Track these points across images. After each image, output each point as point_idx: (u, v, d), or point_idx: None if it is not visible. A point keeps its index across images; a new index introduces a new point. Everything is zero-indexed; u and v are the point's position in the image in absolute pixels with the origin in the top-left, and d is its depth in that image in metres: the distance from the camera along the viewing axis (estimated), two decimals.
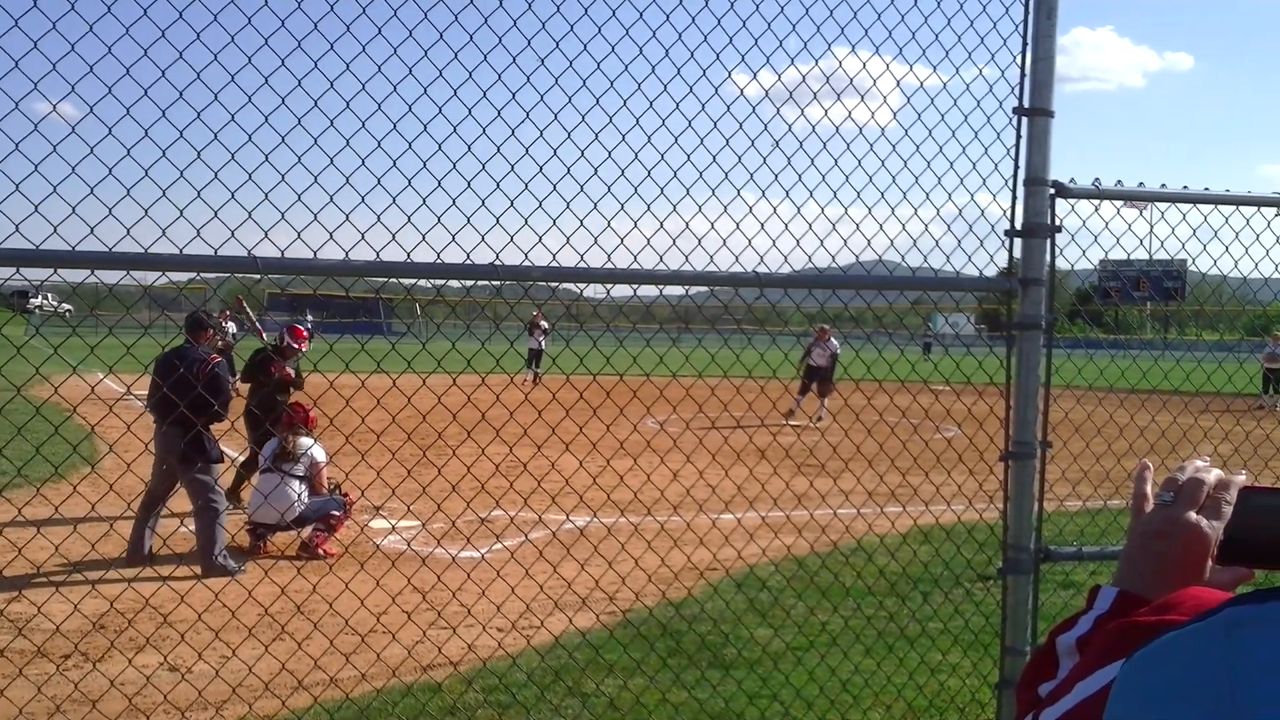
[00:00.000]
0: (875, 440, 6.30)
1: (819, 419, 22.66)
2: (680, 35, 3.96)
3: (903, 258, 4.69)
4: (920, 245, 4.70)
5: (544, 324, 30.15)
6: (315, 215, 3.52)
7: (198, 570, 9.13)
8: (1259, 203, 4.54)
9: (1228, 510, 1.27)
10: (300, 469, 10.17)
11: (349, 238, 3.51)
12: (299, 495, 10.08)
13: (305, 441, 10.32)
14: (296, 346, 12.21)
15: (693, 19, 3.96)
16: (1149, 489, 1.39)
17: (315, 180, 3.56)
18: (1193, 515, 1.28)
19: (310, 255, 3.46)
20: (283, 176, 3.50)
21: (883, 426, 6.86)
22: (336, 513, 10.12)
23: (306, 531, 10.14)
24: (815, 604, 7.52)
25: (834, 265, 4.52)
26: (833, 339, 22.88)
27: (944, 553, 7.46)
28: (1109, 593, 1.28)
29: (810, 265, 4.44)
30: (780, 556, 8.93)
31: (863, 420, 6.34)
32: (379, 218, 3.65)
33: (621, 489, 6.29)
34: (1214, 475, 1.32)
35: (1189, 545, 1.27)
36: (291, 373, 11.92)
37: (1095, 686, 1.09)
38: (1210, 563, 1.28)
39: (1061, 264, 4.24)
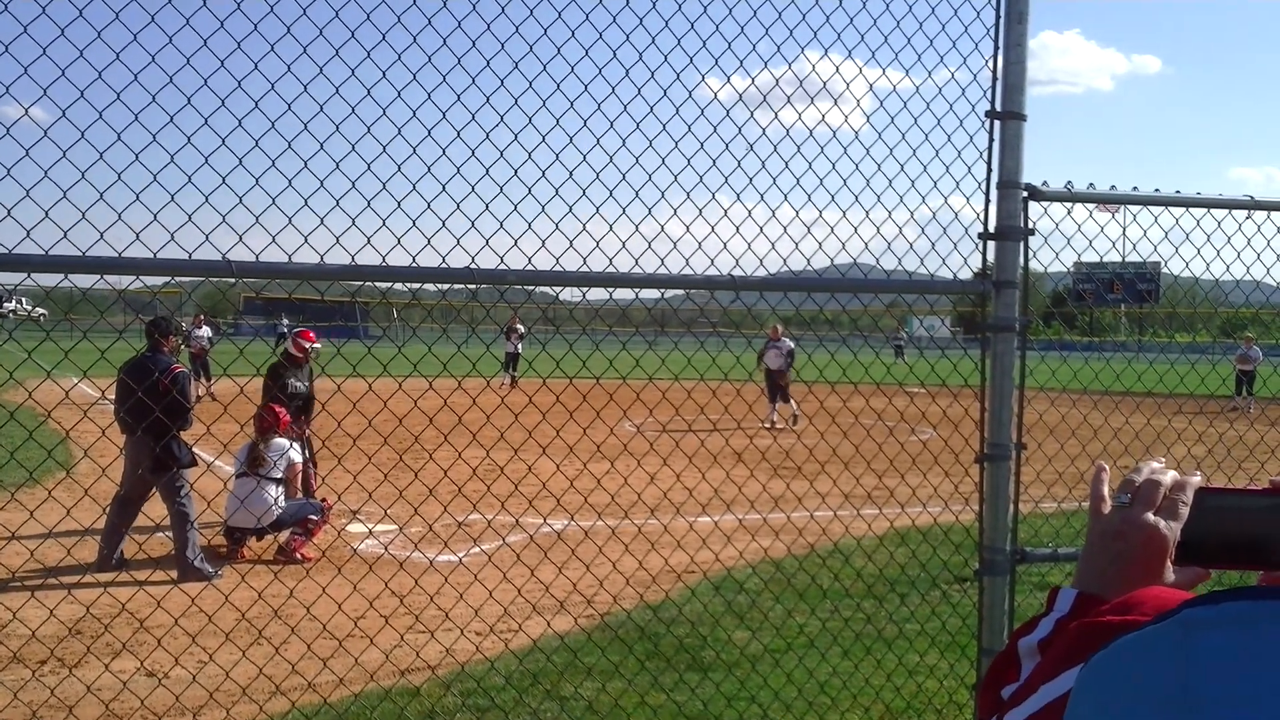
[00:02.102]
0: (851, 442, 6.32)
1: (794, 421, 22.45)
2: (654, 39, 3.98)
3: (877, 260, 4.72)
4: (894, 248, 4.73)
5: (520, 328, 30.16)
6: (290, 219, 3.52)
7: (174, 575, 9.10)
8: (1229, 205, 4.59)
9: (1184, 511, 1.29)
10: (277, 471, 10.12)
11: (324, 241, 3.51)
12: (275, 499, 10.04)
13: (280, 443, 10.28)
14: (305, 350, 12.10)
15: (665, 23, 3.98)
16: (1106, 490, 1.40)
17: (290, 184, 3.55)
18: (1150, 516, 1.29)
19: (285, 259, 3.45)
20: (257, 180, 3.49)
21: (859, 429, 6.90)
22: (314, 517, 10.09)
23: (283, 536, 10.11)
24: (793, 606, 7.54)
25: (809, 268, 4.54)
26: (785, 339, 22.34)
27: (920, 554, 7.49)
28: (1068, 594, 1.29)
29: (785, 268, 4.46)
30: (757, 559, 8.95)
31: (839, 422, 6.37)
32: (354, 221, 3.65)
33: (599, 492, 6.29)
34: (1170, 476, 1.33)
35: (1146, 546, 1.28)
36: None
37: (1062, 688, 1.10)
38: (1169, 563, 1.29)
39: (1035, 266, 4.27)
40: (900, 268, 4.76)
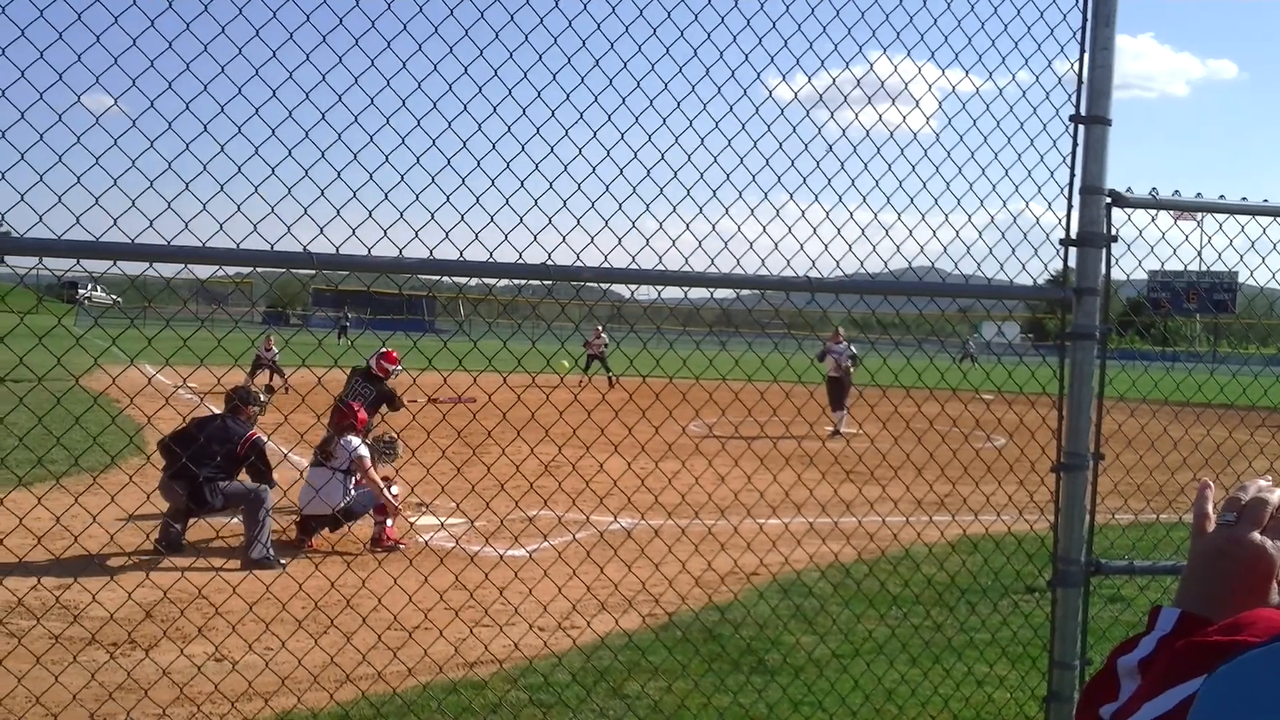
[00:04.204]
0: (925, 448, 6.25)
1: (839, 430, 21.57)
2: (735, 37, 3.96)
3: (956, 264, 4.65)
4: (973, 253, 4.66)
5: (604, 339, 30.80)
6: (370, 212, 3.55)
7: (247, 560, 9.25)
8: None
9: None
10: (344, 464, 10.29)
11: (402, 235, 3.53)
12: (347, 487, 10.25)
13: (353, 441, 10.42)
14: (387, 373, 12.38)
15: (748, 21, 3.96)
16: (1210, 508, 1.36)
17: (370, 177, 3.59)
18: (1257, 536, 1.26)
19: (364, 251, 3.49)
20: (339, 173, 3.53)
21: (933, 435, 6.82)
22: (388, 495, 10.23)
23: (359, 527, 10.29)
24: (861, 612, 7.47)
25: (886, 271, 4.50)
26: (843, 341, 21.80)
27: (993, 563, 7.37)
28: (1171, 614, 1.25)
29: (862, 270, 4.42)
30: (826, 563, 8.88)
31: (913, 428, 6.30)
32: (433, 215, 3.68)
33: (669, 491, 6.29)
34: (1278, 495, 1.29)
35: (1253, 566, 1.25)
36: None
37: (1167, 705, 1.07)
38: (1274, 584, 1.25)
39: (1115, 274, 4.19)
40: (978, 273, 4.69)
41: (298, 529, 10.28)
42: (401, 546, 10.10)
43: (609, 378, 29.27)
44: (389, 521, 10.24)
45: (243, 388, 10.64)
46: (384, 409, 12.25)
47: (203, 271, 3.58)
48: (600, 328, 30.09)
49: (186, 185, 3.28)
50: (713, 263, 3.91)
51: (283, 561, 9.33)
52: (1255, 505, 1.29)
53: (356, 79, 3.50)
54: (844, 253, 4.24)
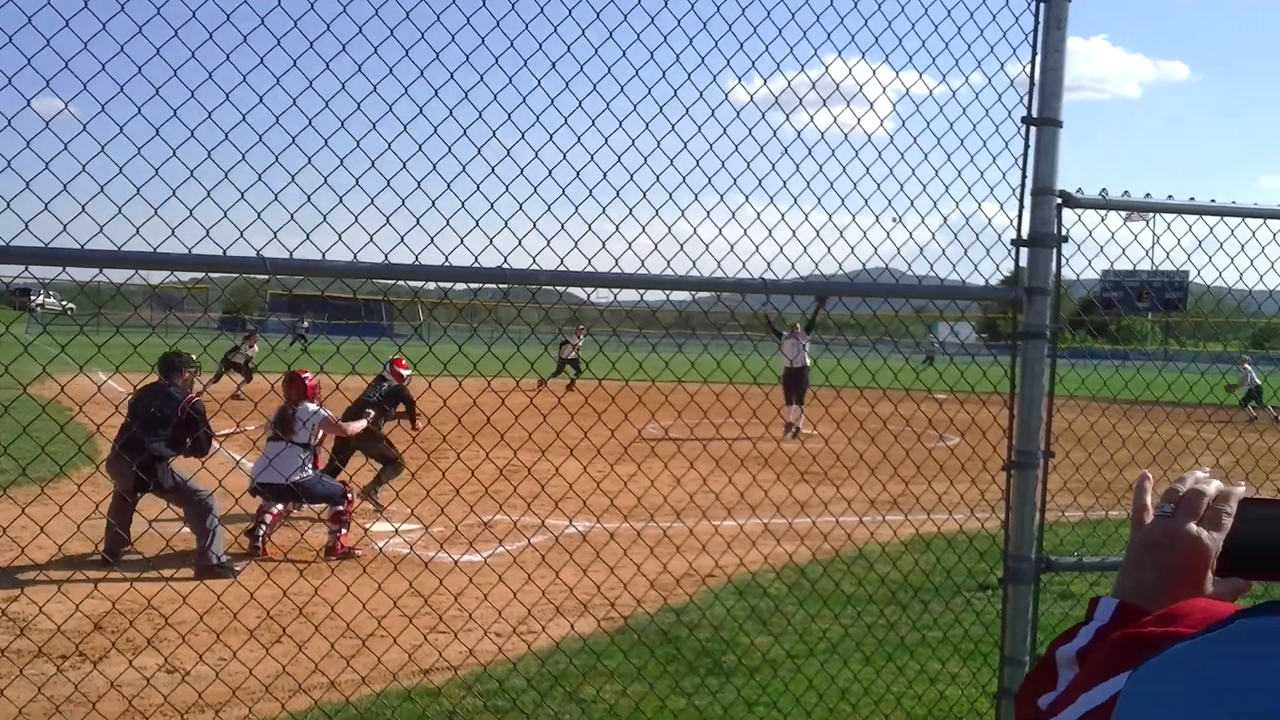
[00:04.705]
0: (879, 448, 6.30)
1: (798, 428, 21.37)
2: (691, 40, 3.98)
3: (909, 266, 4.70)
4: (926, 253, 4.71)
5: (577, 340, 30.64)
6: (325, 216, 3.53)
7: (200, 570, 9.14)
8: (1263, 215, 4.56)
9: (1228, 522, 1.27)
10: (303, 437, 10.25)
11: (357, 239, 3.51)
12: (304, 462, 10.24)
13: (309, 408, 10.37)
14: (401, 379, 12.91)
15: (704, 24, 3.98)
16: (1149, 500, 1.38)
17: (325, 181, 3.56)
18: (1193, 526, 1.28)
19: (319, 256, 3.47)
20: (293, 178, 3.51)
21: (886, 434, 6.87)
22: (341, 509, 10.16)
23: (313, 534, 10.21)
24: (816, 612, 7.51)
25: (840, 272, 4.53)
26: (803, 337, 21.60)
27: (945, 561, 7.45)
28: (1109, 604, 1.27)
29: (816, 272, 4.45)
30: (782, 564, 8.92)
31: (866, 428, 6.35)
32: (388, 219, 3.66)
33: (625, 494, 6.30)
34: (1214, 486, 1.31)
35: (1189, 556, 1.26)
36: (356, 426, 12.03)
37: (1101, 697, 1.08)
38: (1210, 574, 1.28)
39: (1066, 274, 4.25)
40: (931, 273, 4.74)
41: (248, 538, 10.16)
42: (358, 553, 10.03)
43: (569, 380, 29.16)
44: (343, 529, 10.17)
45: (173, 352, 10.32)
46: (400, 410, 12.72)
47: (155, 277, 3.54)
48: (583, 328, 29.83)
49: (138, 190, 3.25)
50: (669, 265, 3.92)
51: (236, 569, 9.23)
52: (1191, 497, 1.31)
53: (311, 83, 3.48)
54: (799, 254, 4.28)
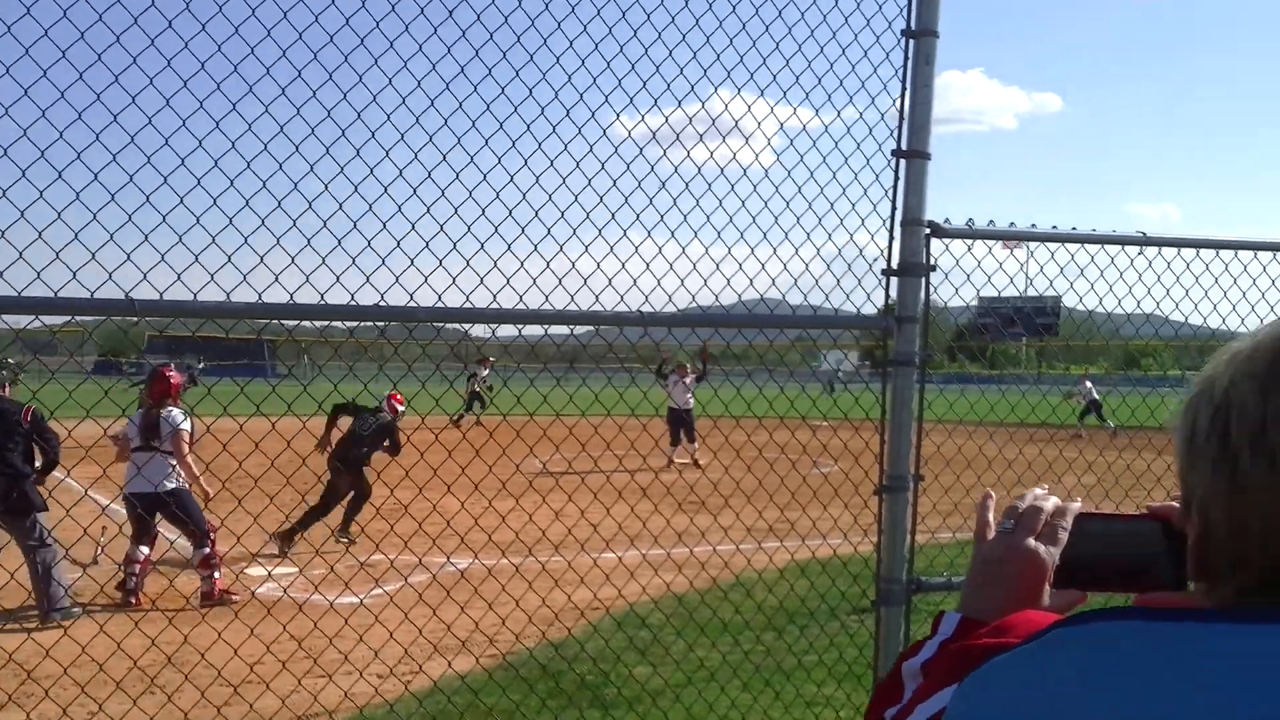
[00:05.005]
0: (755, 476, 6.39)
1: (697, 460, 21.79)
2: (570, 77, 4.03)
3: (784, 296, 4.81)
4: (801, 284, 4.82)
5: (483, 371, 29.30)
6: (196, 257, 3.46)
7: (63, 623, 8.78)
8: (1123, 241, 4.76)
9: (1064, 536, 1.32)
10: (168, 445, 9.87)
11: (230, 279, 3.46)
12: (173, 469, 9.83)
13: (175, 413, 9.99)
14: (397, 412, 12.67)
15: (582, 61, 4.04)
16: (991, 517, 1.44)
17: (198, 221, 3.51)
18: (1031, 541, 1.33)
19: (190, 297, 3.40)
20: (164, 218, 3.45)
21: (762, 462, 6.98)
22: (206, 550, 9.82)
23: (183, 581, 9.87)
24: (694, 640, 7.57)
25: (718, 304, 4.62)
26: (689, 376, 21.97)
27: (820, 586, 7.57)
28: (952, 618, 1.32)
29: (694, 304, 4.52)
30: (660, 594, 8.95)
31: (743, 457, 6.44)
32: (262, 259, 3.61)
33: (503, 529, 6.27)
34: (1051, 503, 1.37)
35: (1026, 570, 1.31)
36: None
37: (934, 708, 1.13)
38: (1047, 587, 1.33)
39: (936, 301, 4.39)
40: (806, 303, 4.85)
41: (119, 590, 9.77)
42: (235, 598, 9.73)
43: (455, 415, 28.09)
44: (215, 574, 9.86)
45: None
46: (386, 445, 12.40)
47: (23, 321, 3.43)
48: (491, 359, 28.78)
49: (2, 234, 3.15)
50: (547, 299, 3.95)
51: (76, 610, 8.92)
52: (1030, 513, 1.36)
53: (184, 121, 3.43)
54: (676, 287, 4.34)
